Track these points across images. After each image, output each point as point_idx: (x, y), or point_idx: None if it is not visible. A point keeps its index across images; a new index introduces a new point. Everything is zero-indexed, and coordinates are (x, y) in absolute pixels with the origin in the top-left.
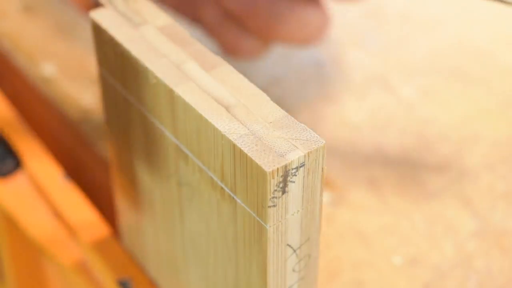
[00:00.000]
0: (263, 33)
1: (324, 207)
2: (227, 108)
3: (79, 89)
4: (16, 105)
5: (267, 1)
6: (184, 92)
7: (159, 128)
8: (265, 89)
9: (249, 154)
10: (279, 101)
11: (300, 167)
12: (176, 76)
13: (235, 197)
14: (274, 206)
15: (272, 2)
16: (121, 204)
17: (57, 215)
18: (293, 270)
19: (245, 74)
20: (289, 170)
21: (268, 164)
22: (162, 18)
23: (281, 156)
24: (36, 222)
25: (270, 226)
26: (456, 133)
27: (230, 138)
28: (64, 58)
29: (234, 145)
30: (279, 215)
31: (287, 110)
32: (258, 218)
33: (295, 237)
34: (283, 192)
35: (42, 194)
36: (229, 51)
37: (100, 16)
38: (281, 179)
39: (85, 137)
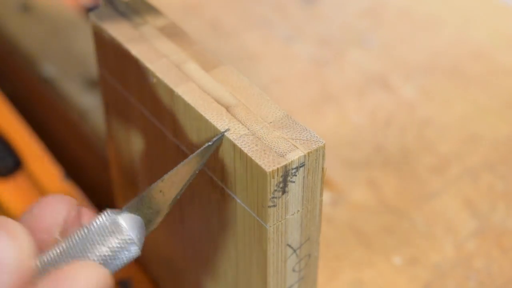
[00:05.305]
0: None
1: (324, 207)
2: (227, 108)
3: (79, 89)
4: (16, 105)
5: None
6: (184, 92)
7: (159, 128)
8: (265, 89)
9: (249, 154)
10: (279, 101)
11: (300, 167)
12: (176, 76)
13: (235, 197)
14: (274, 206)
15: None
16: (121, 204)
17: None
18: (293, 270)
19: (245, 74)
20: (289, 170)
21: (268, 164)
22: (162, 18)
23: (281, 156)
24: None
25: (270, 226)
26: (456, 133)
27: (230, 138)
28: (64, 58)
29: (234, 145)
30: (279, 215)
31: (287, 110)
32: (258, 218)
33: (295, 237)
34: (283, 192)
35: (42, 194)
36: None
37: (100, 16)
38: (281, 179)
39: (85, 137)
